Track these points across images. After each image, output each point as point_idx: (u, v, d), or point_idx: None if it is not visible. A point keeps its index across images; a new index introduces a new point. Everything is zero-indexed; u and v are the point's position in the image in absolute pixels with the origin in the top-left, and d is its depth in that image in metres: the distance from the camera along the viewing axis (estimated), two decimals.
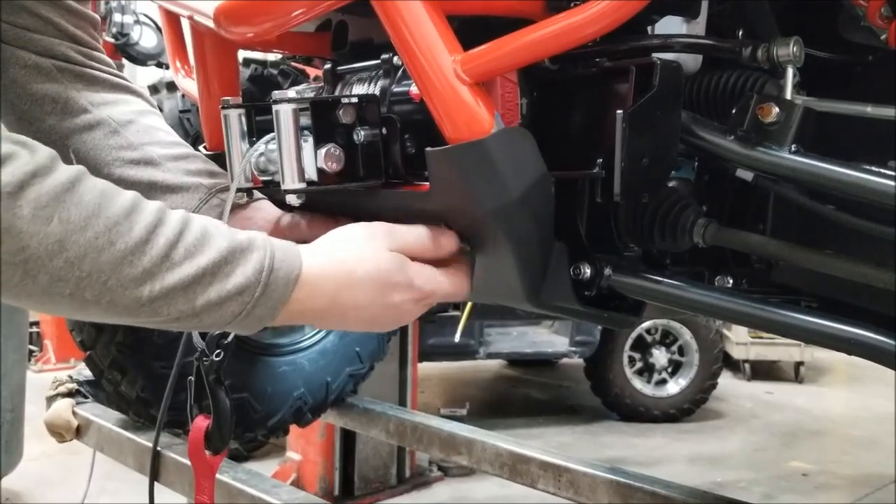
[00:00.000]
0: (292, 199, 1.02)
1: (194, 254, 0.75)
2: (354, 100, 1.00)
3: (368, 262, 0.87)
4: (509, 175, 0.90)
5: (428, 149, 0.93)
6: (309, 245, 0.87)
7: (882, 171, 0.88)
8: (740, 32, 1.08)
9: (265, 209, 1.15)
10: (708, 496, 1.80)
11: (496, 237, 0.94)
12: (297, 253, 0.83)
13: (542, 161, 0.93)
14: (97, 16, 1.13)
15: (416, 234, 0.92)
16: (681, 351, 5.40)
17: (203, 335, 0.99)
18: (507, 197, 0.91)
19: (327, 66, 1.23)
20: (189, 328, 0.80)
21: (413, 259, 0.91)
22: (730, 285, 1.18)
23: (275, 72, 2.03)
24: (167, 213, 0.76)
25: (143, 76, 6.67)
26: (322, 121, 0.98)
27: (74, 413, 2.36)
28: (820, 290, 1.12)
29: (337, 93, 1.19)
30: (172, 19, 1.41)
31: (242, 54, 1.69)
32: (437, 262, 0.94)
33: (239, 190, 1.12)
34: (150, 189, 1.06)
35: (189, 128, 2.02)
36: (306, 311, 0.83)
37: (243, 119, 1.10)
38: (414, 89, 1.01)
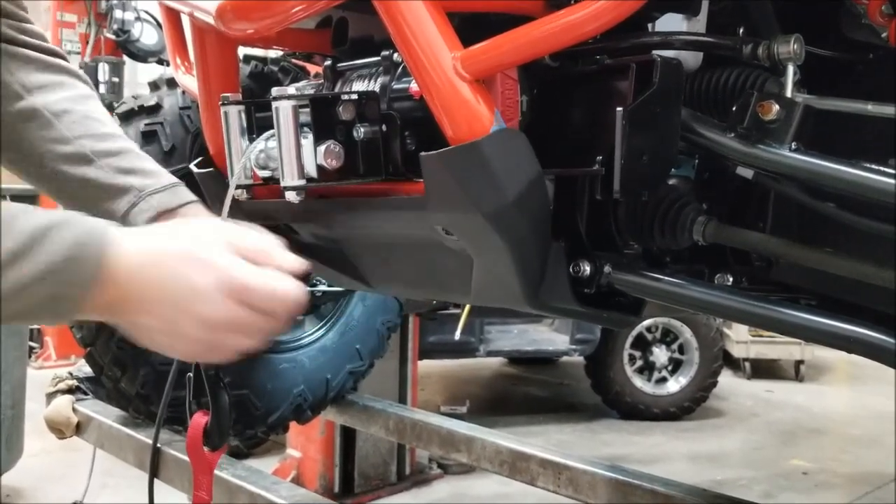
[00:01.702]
0: (291, 196, 1.02)
1: None
2: (354, 97, 1.00)
3: (185, 239, 0.78)
4: (504, 176, 0.90)
5: (422, 153, 0.93)
6: (128, 228, 0.80)
7: (882, 169, 0.88)
8: (741, 30, 1.07)
9: (197, 215, 1.09)
10: (707, 494, 1.80)
11: (493, 239, 0.94)
12: (106, 230, 0.76)
13: (536, 162, 0.93)
14: None
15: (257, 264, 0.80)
16: (681, 349, 5.40)
17: None
18: (502, 198, 0.91)
19: (327, 62, 1.23)
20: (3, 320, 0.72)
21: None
22: (730, 283, 1.18)
23: (275, 68, 2.03)
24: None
25: (143, 73, 6.68)
26: (322, 117, 0.98)
27: (74, 410, 2.36)
28: (820, 287, 1.12)
29: (337, 90, 1.19)
30: (173, 16, 1.41)
31: (242, 51, 1.69)
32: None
33: (239, 187, 1.12)
34: (85, 187, 1.03)
35: (189, 124, 2.02)
36: (127, 299, 0.75)
37: (243, 115, 1.10)
38: (414, 86, 1.01)
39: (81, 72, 1.15)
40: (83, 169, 1.03)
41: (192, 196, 1.11)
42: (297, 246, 1.37)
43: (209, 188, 1.36)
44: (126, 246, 0.75)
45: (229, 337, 0.78)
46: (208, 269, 0.76)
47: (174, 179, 1.12)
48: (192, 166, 1.38)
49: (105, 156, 1.06)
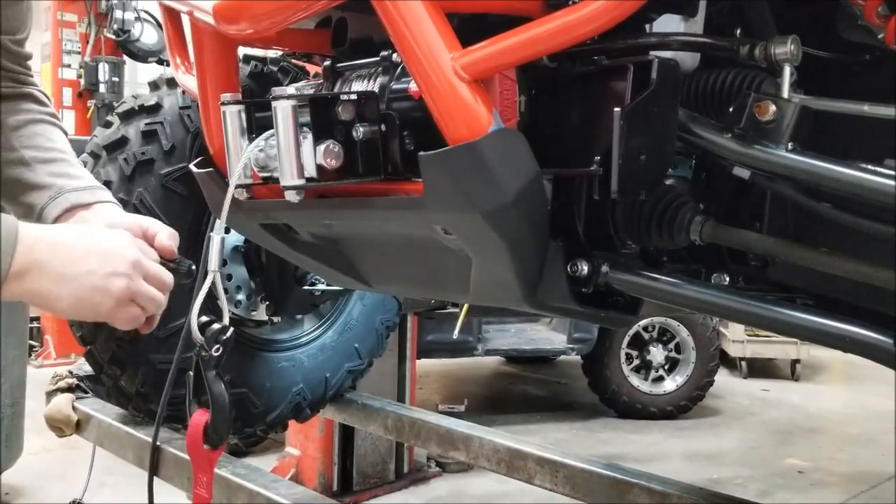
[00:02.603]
0: (291, 196, 1.02)
1: None
2: (353, 97, 1.00)
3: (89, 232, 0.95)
4: (503, 176, 0.91)
5: (420, 153, 0.93)
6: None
7: (878, 169, 0.88)
8: (738, 31, 1.08)
9: (106, 213, 1.14)
10: (704, 493, 1.80)
11: (491, 239, 0.95)
12: (13, 220, 0.88)
13: (534, 162, 0.94)
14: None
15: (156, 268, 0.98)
16: (678, 348, 5.41)
17: (203, 330, 0.99)
18: (501, 198, 0.91)
19: (327, 62, 1.23)
20: None
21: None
22: (726, 283, 1.18)
23: (275, 69, 2.03)
24: None
25: (143, 72, 6.67)
26: (321, 117, 0.99)
27: (74, 408, 2.36)
28: (816, 287, 1.12)
29: (336, 90, 1.19)
30: (173, 16, 1.42)
31: (242, 51, 1.69)
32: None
33: (238, 186, 1.12)
34: (18, 184, 1.15)
35: (189, 124, 2.02)
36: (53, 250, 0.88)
37: (243, 115, 1.11)
38: (413, 86, 1.01)
39: (54, 110, 1.28)
40: (19, 170, 1.16)
41: (110, 198, 1.17)
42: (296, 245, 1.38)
43: (209, 188, 1.36)
44: (44, 227, 0.94)
45: (137, 293, 0.94)
46: (127, 248, 0.95)
47: (98, 184, 1.19)
48: (191, 166, 1.39)
49: (41, 162, 1.17)
